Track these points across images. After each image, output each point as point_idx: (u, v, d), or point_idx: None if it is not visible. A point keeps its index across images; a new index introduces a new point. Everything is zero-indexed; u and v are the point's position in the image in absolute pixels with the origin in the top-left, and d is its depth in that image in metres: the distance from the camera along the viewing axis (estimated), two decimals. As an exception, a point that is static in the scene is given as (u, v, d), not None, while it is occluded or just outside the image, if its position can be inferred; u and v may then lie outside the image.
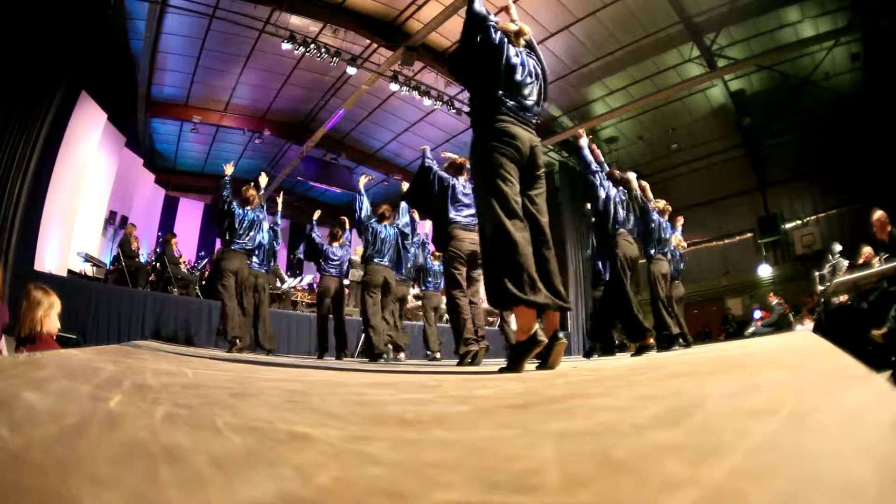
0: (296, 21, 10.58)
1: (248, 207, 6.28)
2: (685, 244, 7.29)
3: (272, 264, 7.35)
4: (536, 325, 2.29)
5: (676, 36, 11.14)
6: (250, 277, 6.43)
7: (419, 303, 8.74)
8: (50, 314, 3.04)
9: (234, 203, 6.15)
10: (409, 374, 2.36)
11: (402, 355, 6.59)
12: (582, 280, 14.82)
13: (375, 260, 6.13)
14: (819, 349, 1.51)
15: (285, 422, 0.66)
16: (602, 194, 5.15)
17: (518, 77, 2.63)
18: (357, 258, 8.74)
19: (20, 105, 6.87)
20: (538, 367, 2.31)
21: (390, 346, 6.62)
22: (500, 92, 2.57)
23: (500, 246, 2.33)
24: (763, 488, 0.35)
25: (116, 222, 11.76)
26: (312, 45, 10.44)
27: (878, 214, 6.27)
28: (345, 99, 13.08)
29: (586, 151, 5.25)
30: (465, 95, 11.19)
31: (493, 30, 2.68)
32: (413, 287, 8.49)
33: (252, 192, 6.44)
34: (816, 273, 8.19)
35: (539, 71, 2.82)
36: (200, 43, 11.36)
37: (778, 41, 11.07)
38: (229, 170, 6.26)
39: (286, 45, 10.36)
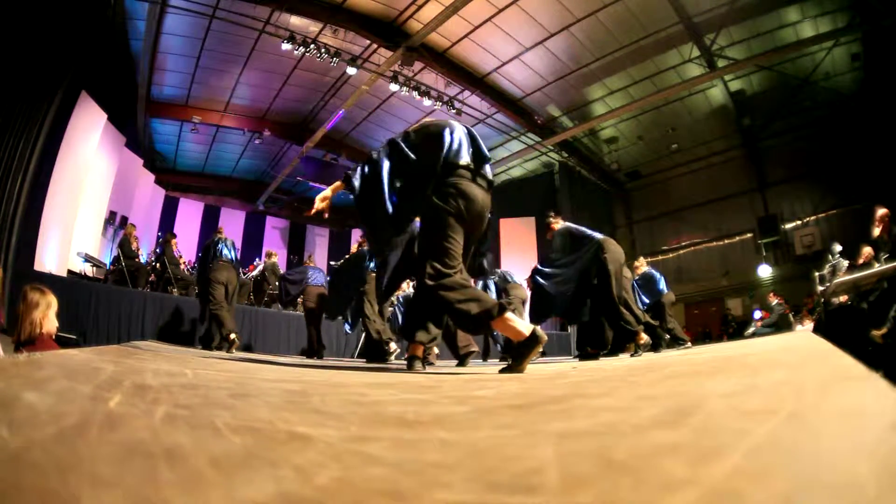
0: (296, 21, 10.58)
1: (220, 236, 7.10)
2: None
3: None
4: (533, 326, 2.34)
5: (676, 36, 11.15)
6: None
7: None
8: (48, 314, 3.01)
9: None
10: (409, 375, 2.36)
11: (393, 345, 6.64)
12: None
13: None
14: (819, 349, 1.51)
15: (285, 422, 0.66)
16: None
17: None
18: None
19: (20, 105, 6.87)
20: (502, 371, 2.32)
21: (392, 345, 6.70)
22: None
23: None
24: (762, 488, 0.35)
25: (116, 222, 11.76)
26: (312, 46, 10.45)
27: (881, 212, 6.26)
28: (345, 99, 13.10)
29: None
30: (465, 95, 11.16)
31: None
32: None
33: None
34: (816, 273, 8.19)
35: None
36: (200, 43, 11.37)
37: (778, 41, 11.08)
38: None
39: (286, 46, 10.37)
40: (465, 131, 2.84)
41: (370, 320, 6.05)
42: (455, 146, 2.71)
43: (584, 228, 5.03)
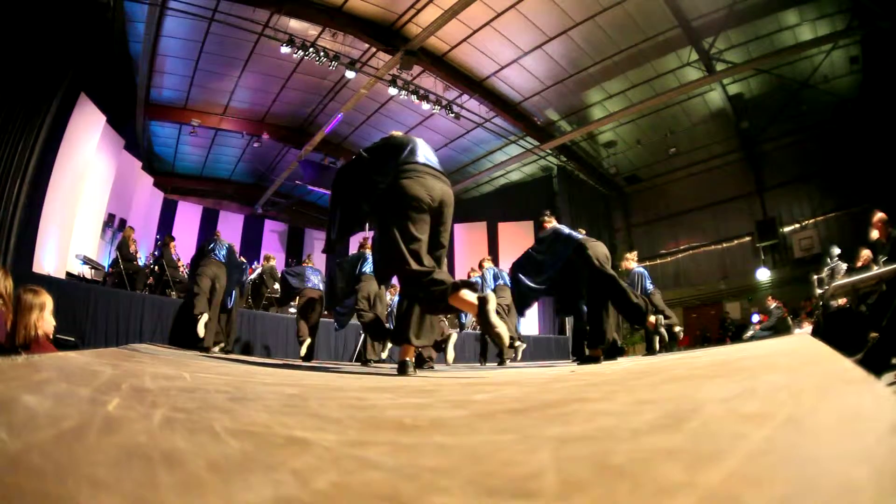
0: (295, 25, 10.60)
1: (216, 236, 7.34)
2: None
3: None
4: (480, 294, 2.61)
5: (675, 40, 11.18)
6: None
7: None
8: (43, 316, 2.98)
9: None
10: (407, 379, 2.36)
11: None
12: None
13: (367, 272, 6.30)
14: (817, 353, 1.51)
15: (283, 426, 0.66)
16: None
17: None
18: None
19: (20, 107, 6.87)
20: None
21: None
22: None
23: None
24: (760, 493, 0.35)
25: (115, 225, 11.74)
26: (311, 49, 10.46)
27: (879, 216, 6.28)
28: (343, 103, 13.11)
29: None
30: (464, 99, 11.21)
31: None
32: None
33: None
34: (815, 276, 8.20)
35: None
36: (199, 46, 11.38)
37: (776, 45, 11.12)
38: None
39: (285, 49, 10.39)
40: (425, 144, 3.15)
41: (362, 313, 6.14)
42: (410, 150, 2.99)
43: (570, 231, 5.04)
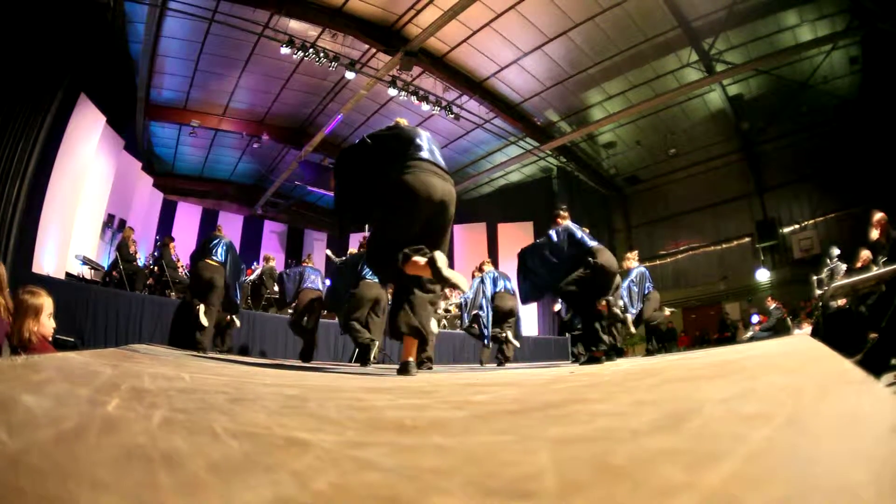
0: (295, 25, 10.61)
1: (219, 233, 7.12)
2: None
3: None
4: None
5: (675, 41, 11.19)
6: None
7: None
8: (39, 319, 2.95)
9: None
10: (406, 379, 2.36)
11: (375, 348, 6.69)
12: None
13: (367, 274, 6.10)
14: (817, 353, 1.51)
15: (283, 427, 0.66)
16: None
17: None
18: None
19: (20, 107, 6.87)
20: None
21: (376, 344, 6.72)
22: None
23: None
24: (760, 493, 0.35)
25: (114, 226, 11.74)
26: (311, 50, 10.47)
27: (879, 216, 6.28)
28: (343, 103, 13.11)
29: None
30: (464, 100, 11.17)
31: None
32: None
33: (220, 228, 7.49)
34: (814, 277, 8.20)
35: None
36: (199, 47, 11.39)
37: (776, 45, 11.12)
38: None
39: (285, 50, 10.39)
40: (429, 139, 3.14)
41: (355, 329, 6.00)
42: (416, 144, 3.00)
43: (583, 234, 5.02)
